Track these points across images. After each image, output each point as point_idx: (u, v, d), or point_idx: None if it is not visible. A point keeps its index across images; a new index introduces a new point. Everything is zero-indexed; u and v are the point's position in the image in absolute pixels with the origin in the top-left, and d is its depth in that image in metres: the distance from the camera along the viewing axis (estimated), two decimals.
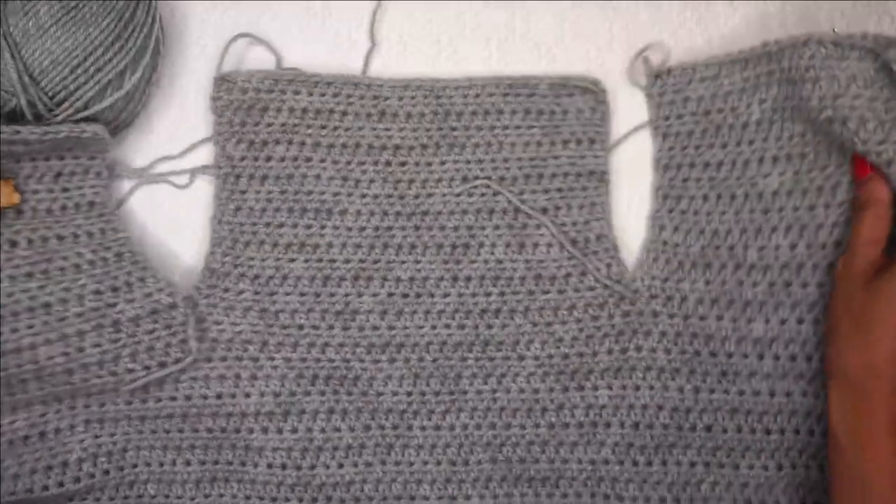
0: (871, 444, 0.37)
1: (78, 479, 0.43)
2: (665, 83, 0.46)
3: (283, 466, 0.44)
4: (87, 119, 0.44)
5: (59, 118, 0.43)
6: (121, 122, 0.46)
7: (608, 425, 0.44)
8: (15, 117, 0.43)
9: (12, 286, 0.42)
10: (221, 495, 0.43)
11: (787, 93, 0.43)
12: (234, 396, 0.44)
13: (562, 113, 0.47)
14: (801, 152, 0.43)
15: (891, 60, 0.39)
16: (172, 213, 0.47)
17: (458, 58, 0.49)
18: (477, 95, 0.47)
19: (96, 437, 0.43)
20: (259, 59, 0.48)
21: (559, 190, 0.46)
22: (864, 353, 0.38)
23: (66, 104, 0.43)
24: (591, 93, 0.47)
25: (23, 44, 0.41)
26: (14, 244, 0.43)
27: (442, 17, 0.49)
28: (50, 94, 0.42)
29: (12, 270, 0.42)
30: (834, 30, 0.46)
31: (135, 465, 0.43)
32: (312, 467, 0.44)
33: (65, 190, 0.44)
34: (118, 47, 0.43)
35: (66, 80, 0.42)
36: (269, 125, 0.46)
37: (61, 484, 0.42)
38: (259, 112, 0.46)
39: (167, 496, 0.43)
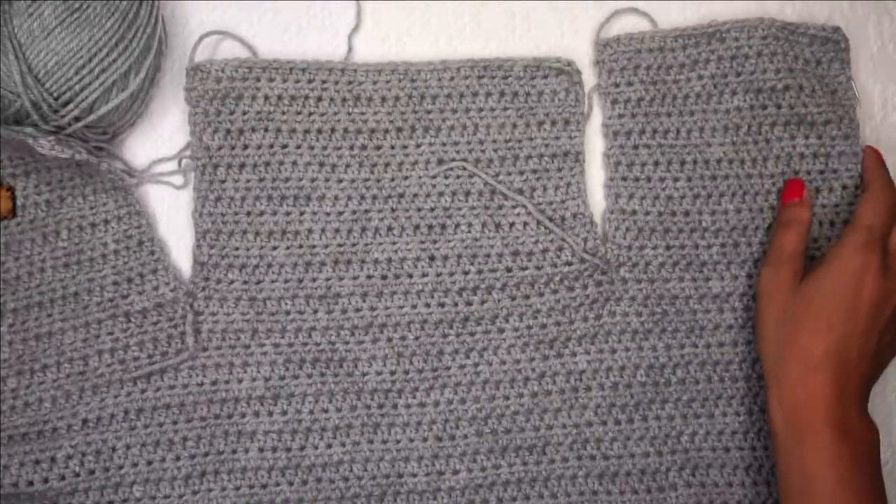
0: (810, 433, 0.39)
1: (63, 477, 0.43)
2: (615, 51, 0.48)
3: (274, 449, 0.44)
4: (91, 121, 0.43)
5: (65, 119, 0.43)
6: (125, 122, 0.46)
7: (589, 389, 0.46)
8: (20, 118, 0.43)
9: (53, 275, 0.45)
10: (210, 489, 0.44)
11: (726, 70, 0.47)
12: (227, 382, 0.45)
13: (536, 94, 0.48)
14: (738, 124, 0.48)
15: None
16: (172, 213, 0.47)
17: (458, 57, 0.49)
18: (451, 78, 0.48)
19: (87, 434, 0.44)
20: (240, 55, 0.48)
21: (535, 171, 0.47)
22: (803, 350, 0.40)
23: (72, 105, 0.42)
24: (565, 74, 0.48)
25: (27, 45, 0.41)
26: (57, 234, 0.45)
27: (442, 17, 0.50)
28: (55, 95, 0.42)
29: (53, 261, 0.45)
30: None
31: (121, 467, 0.44)
32: (302, 448, 0.45)
33: (91, 176, 0.45)
34: (122, 48, 0.43)
35: (70, 80, 0.42)
36: (245, 113, 0.46)
37: (46, 480, 0.43)
38: (234, 100, 0.46)
39: (153, 498, 0.43)
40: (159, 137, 0.48)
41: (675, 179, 0.47)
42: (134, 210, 0.45)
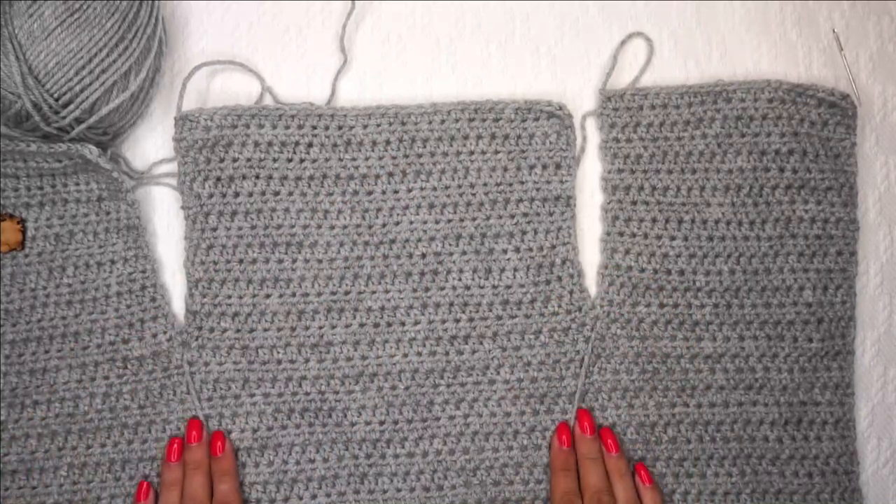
0: None
1: None
2: (618, 106, 0.47)
3: (258, 501, 0.45)
4: (92, 121, 0.43)
5: (66, 120, 0.43)
6: (125, 122, 0.46)
7: None
8: (21, 120, 0.43)
9: (55, 311, 0.45)
10: None
11: (730, 130, 0.47)
12: None
13: (527, 137, 0.47)
14: (739, 185, 0.47)
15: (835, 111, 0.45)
16: (172, 214, 0.48)
17: (457, 58, 0.49)
18: (442, 121, 0.47)
19: (74, 483, 0.44)
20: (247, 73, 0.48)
21: (525, 214, 0.47)
22: None
23: (72, 106, 0.42)
24: (556, 117, 0.47)
25: (27, 45, 0.41)
26: (63, 270, 0.45)
27: (442, 17, 0.49)
28: (55, 96, 0.42)
29: (57, 297, 0.45)
30: (834, 30, 0.49)
31: None
32: (286, 500, 0.45)
33: (107, 213, 0.45)
34: (122, 48, 0.43)
35: (71, 81, 0.42)
36: (235, 160, 0.46)
37: None
38: (223, 148, 0.46)
39: None
40: (159, 138, 0.48)
41: (672, 238, 0.46)
42: (141, 253, 0.45)
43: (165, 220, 0.48)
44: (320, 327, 0.46)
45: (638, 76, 0.49)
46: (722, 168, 0.46)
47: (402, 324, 0.46)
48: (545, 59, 0.49)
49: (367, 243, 0.46)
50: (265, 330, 0.46)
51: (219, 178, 0.46)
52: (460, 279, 0.46)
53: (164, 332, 0.45)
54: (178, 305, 0.47)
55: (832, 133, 0.46)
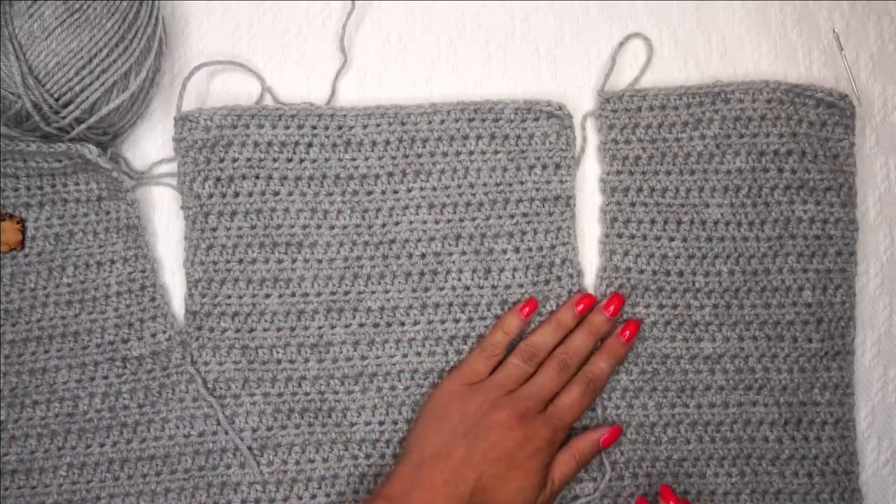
0: None
1: None
2: (616, 107, 0.47)
3: (258, 501, 0.45)
4: (92, 122, 0.43)
5: (66, 121, 0.43)
6: (125, 123, 0.46)
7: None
8: (21, 120, 0.43)
9: (55, 311, 0.45)
10: None
11: (729, 130, 0.47)
12: (214, 433, 0.45)
13: (527, 137, 0.47)
14: (738, 186, 0.47)
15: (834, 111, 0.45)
16: (172, 214, 0.48)
17: (458, 58, 0.49)
18: (442, 121, 0.47)
19: (74, 483, 0.44)
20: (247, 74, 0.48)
21: (525, 215, 0.47)
22: None
23: (72, 106, 0.42)
24: (556, 117, 0.47)
25: (28, 45, 0.41)
26: (63, 269, 0.46)
27: (442, 17, 0.49)
28: (55, 96, 0.42)
29: (56, 297, 0.45)
30: (834, 30, 0.49)
31: None
32: (286, 499, 0.45)
33: (107, 213, 0.46)
34: (122, 48, 0.43)
35: (71, 81, 0.42)
36: (235, 160, 0.46)
37: None
38: (223, 148, 0.46)
39: None
40: (159, 138, 0.48)
41: (671, 239, 0.46)
42: (141, 253, 0.45)
43: (165, 220, 0.48)
44: (320, 327, 0.46)
45: (638, 77, 0.49)
46: (721, 169, 0.46)
47: (402, 324, 0.46)
48: (545, 59, 0.49)
49: (367, 243, 0.47)
50: (265, 330, 0.46)
51: (219, 178, 0.46)
52: (460, 279, 0.46)
53: (164, 332, 0.45)
54: (177, 305, 0.47)
55: (831, 133, 0.46)
